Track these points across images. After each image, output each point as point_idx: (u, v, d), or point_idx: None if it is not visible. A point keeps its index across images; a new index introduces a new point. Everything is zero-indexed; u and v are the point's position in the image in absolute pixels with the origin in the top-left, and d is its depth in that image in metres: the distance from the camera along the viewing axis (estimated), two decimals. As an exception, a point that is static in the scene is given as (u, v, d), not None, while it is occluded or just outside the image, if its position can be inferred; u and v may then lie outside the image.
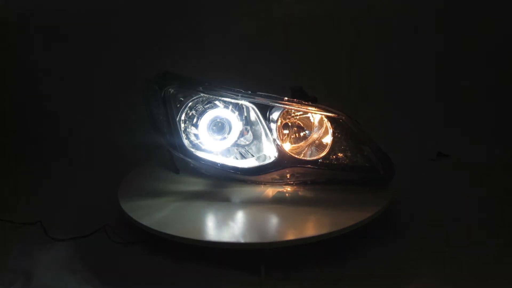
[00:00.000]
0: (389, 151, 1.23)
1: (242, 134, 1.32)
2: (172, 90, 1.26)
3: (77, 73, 1.95)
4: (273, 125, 1.24)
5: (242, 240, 1.03)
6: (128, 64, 1.90)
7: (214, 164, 1.28)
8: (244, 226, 1.12)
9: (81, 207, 1.38)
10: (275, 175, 1.26)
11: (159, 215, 1.14)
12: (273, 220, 1.12)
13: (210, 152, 1.30)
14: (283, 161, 1.23)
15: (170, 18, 1.93)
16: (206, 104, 1.30)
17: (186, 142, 1.28)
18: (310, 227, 1.09)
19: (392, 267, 1.06)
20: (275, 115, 1.24)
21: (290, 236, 1.05)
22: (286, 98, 1.21)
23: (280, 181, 1.28)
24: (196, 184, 1.31)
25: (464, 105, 1.87)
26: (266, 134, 1.25)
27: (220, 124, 1.30)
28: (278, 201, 1.21)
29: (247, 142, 1.34)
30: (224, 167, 1.28)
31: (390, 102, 1.90)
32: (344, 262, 1.07)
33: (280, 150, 1.23)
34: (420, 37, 1.91)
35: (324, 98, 1.31)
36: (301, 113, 1.28)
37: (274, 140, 1.23)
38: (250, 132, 1.33)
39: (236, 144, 1.33)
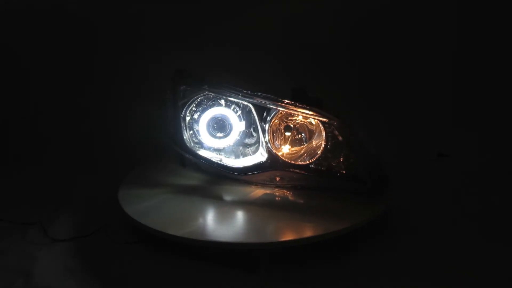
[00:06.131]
0: (389, 151, 1.23)
1: (246, 134, 1.33)
2: (182, 87, 1.28)
3: (76, 73, 1.94)
4: (266, 126, 1.25)
5: (242, 241, 1.03)
6: (128, 64, 1.90)
7: (210, 162, 1.29)
8: (244, 226, 1.12)
9: (81, 207, 1.38)
10: (264, 176, 1.26)
11: (159, 215, 1.15)
12: (273, 221, 1.12)
13: (209, 149, 1.32)
14: (272, 163, 1.24)
15: (169, 17, 1.93)
16: (211, 101, 1.31)
17: (188, 138, 1.30)
18: (310, 228, 1.09)
19: (392, 268, 1.06)
20: (271, 116, 1.24)
21: (289, 236, 1.05)
22: (285, 100, 1.21)
23: (271, 183, 1.28)
24: (197, 183, 1.32)
25: (464, 105, 1.87)
26: (259, 135, 1.26)
27: (221, 123, 1.31)
28: (278, 202, 1.21)
29: (252, 142, 1.34)
30: (219, 166, 1.29)
31: (390, 102, 1.90)
32: (345, 262, 1.07)
33: (269, 152, 1.23)
34: (419, 36, 1.91)
35: (325, 98, 1.31)
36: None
37: (266, 142, 1.24)
38: (254, 132, 1.33)
39: (242, 144, 1.33)
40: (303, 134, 1.29)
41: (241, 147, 1.34)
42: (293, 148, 1.30)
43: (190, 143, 1.32)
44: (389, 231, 1.20)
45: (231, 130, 1.32)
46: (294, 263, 1.06)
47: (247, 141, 1.34)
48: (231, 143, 1.33)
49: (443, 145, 1.77)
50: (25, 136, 1.89)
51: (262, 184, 1.28)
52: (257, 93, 1.24)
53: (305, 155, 1.26)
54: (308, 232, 1.06)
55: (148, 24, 1.92)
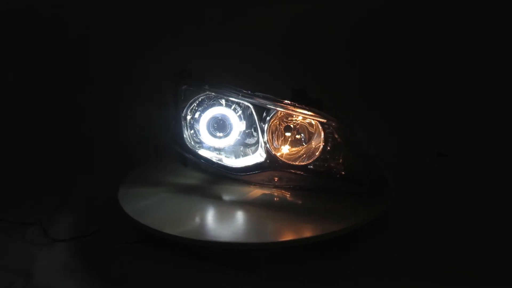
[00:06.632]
0: (389, 151, 1.23)
1: (247, 134, 1.33)
2: (183, 87, 1.28)
3: (76, 73, 1.94)
4: (265, 126, 1.25)
5: (242, 241, 1.03)
6: (128, 64, 1.90)
7: (210, 162, 1.30)
8: (244, 226, 1.12)
9: (81, 207, 1.38)
10: (262, 176, 1.26)
11: (159, 215, 1.14)
12: (273, 221, 1.12)
13: (210, 149, 1.32)
14: (271, 163, 1.24)
15: (168, 17, 1.93)
16: (211, 101, 1.31)
17: (188, 137, 1.31)
18: (310, 228, 1.09)
19: (392, 268, 1.06)
20: (270, 116, 1.24)
21: (289, 236, 1.05)
22: (284, 101, 1.21)
23: (269, 183, 1.28)
24: (197, 183, 1.32)
25: (464, 105, 1.87)
26: (258, 135, 1.26)
27: (221, 122, 1.31)
28: (278, 203, 1.21)
29: (253, 142, 1.34)
30: (219, 166, 1.29)
31: (390, 102, 1.90)
32: (345, 262, 1.07)
33: (268, 152, 1.24)
34: (420, 36, 1.91)
35: (325, 98, 1.31)
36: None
37: (265, 143, 1.24)
38: (254, 132, 1.34)
39: (243, 144, 1.33)
40: (302, 135, 1.29)
41: (241, 147, 1.34)
42: (293, 149, 1.30)
43: (191, 143, 1.32)
44: (389, 231, 1.20)
45: (231, 130, 1.32)
46: (294, 263, 1.06)
47: (248, 141, 1.34)
48: (231, 143, 1.33)
49: (443, 145, 1.77)
50: (25, 136, 1.89)
51: (261, 184, 1.28)
52: (257, 93, 1.24)
53: (304, 156, 1.26)
54: (308, 232, 1.06)
55: (148, 24, 1.92)
